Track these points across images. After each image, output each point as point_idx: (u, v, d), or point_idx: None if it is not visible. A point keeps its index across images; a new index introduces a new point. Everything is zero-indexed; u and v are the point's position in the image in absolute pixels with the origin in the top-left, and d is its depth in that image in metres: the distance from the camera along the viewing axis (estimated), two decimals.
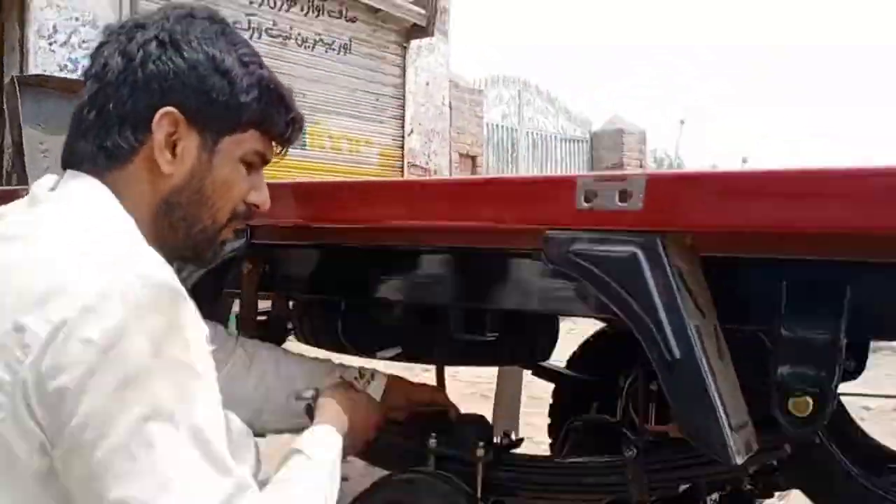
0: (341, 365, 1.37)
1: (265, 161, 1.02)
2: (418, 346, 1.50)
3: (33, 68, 5.34)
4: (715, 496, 1.72)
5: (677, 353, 0.86)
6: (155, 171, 0.91)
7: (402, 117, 8.52)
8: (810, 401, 0.95)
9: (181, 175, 0.93)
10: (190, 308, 0.81)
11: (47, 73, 5.34)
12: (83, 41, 5.71)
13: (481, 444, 1.22)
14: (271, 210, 1.07)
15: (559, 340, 1.92)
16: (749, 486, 1.56)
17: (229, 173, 0.97)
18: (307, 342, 1.59)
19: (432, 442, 1.24)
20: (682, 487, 1.17)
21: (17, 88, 4.68)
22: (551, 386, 2.37)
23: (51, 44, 5.54)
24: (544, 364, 2.07)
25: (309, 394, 1.16)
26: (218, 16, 0.98)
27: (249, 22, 6.87)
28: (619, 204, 0.91)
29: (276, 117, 0.99)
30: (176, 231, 0.95)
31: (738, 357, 1.02)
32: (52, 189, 0.93)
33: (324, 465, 0.98)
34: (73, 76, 5.57)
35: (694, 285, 0.93)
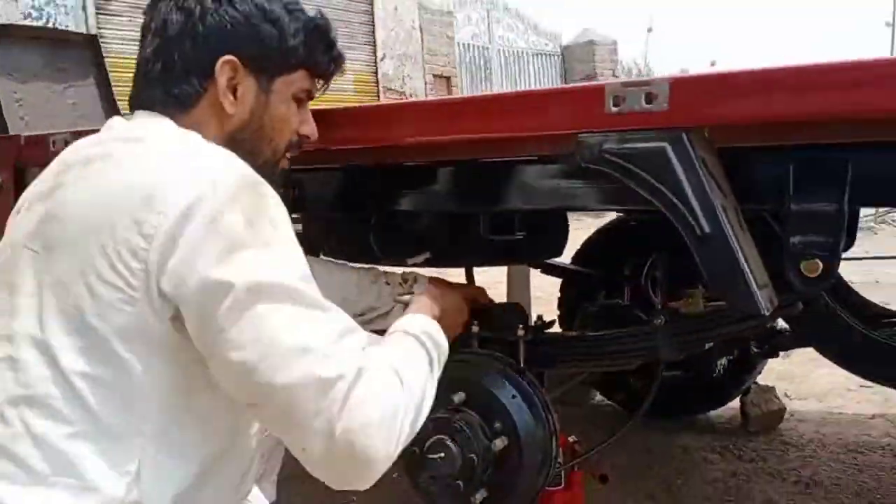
0: (385, 272, 1.49)
1: (311, 96, 1.12)
2: (447, 250, 1.61)
3: None
4: (724, 361, 1.91)
5: (707, 229, 0.98)
6: (220, 112, 1.01)
7: (374, 43, 8.43)
8: (819, 263, 1.09)
9: (243, 114, 1.03)
10: (270, 191, 0.91)
11: (12, 23, 5.23)
12: None
13: (521, 325, 1.37)
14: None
15: None
16: (755, 350, 1.73)
17: (284, 110, 1.07)
18: (340, 257, 1.69)
19: (475, 328, 1.39)
20: (707, 345, 1.31)
21: None
22: (548, 287, 2.54)
23: None
24: (552, 261, 2.21)
25: (403, 291, 1.30)
26: None
27: None
28: (646, 106, 1.02)
29: (321, 57, 1.09)
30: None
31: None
32: (119, 124, 1.01)
33: (420, 336, 1.07)
34: (38, 24, 5.46)
35: (715, 171, 1.05)
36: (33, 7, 5.45)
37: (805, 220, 1.13)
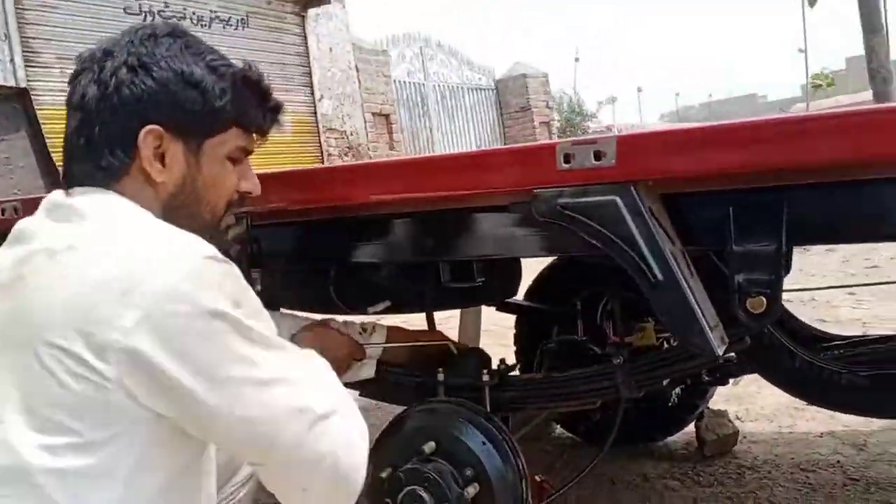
0: (344, 322, 1.51)
1: (248, 152, 1.10)
2: (406, 298, 1.64)
3: None
4: (677, 390, 1.98)
5: (660, 276, 1.04)
6: (150, 181, 0.99)
7: (311, 84, 8.47)
8: (764, 300, 1.16)
9: (174, 181, 1.00)
10: (235, 269, 0.93)
11: None
12: None
13: (485, 371, 1.41)
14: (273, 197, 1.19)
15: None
16: (706, 378, 1.80)
17: (218, 170, 1.04)
18: (301, 309, 1.71)
19: (440, 375, 1.42)
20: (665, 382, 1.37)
21: None
22: (498, 320, 2.58)
23: None
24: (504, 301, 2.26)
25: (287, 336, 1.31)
26: (179, 28, 1.04)
27: (140, 6, 6.66)
28: (595, 162, 1.08)
29: (253, 112, 1.06)
30: (182, 228, 1.01)
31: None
32: (65, 203, 0.98)
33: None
34: None
35: (663, 219, 1.12)
36: None
37: (747, 259, 1.20)
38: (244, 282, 0.92)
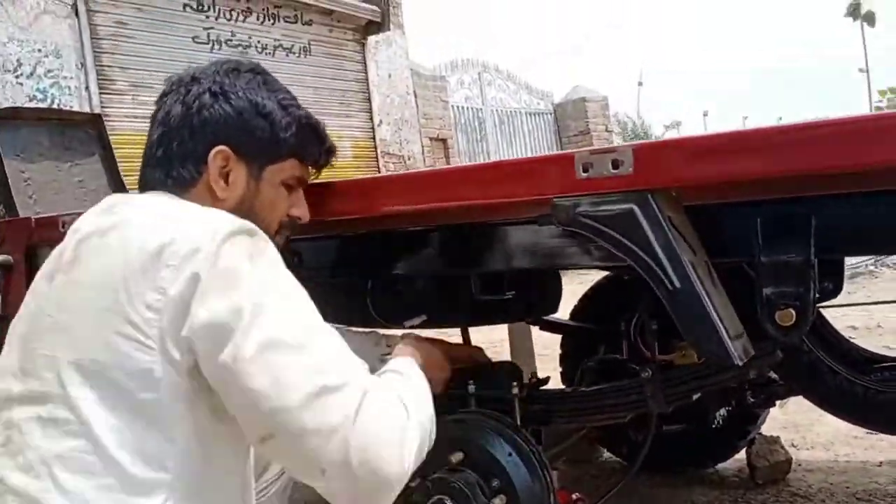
0: (385, 336, 1.55)
1: (302, 182, 1.22)
2: (441, 312, 1.66)
3: (4, 102, 5.39)
4: (723, 412, 1.93)
5: (678, 284, 1.03)
6: (214, 196, 1.10)
7: (370, 110, 8.64)
8: (793, 312, 1.14)
9: (234, 199, 1.12)
10: (266, 239, 1.00)
11: (18, 106, 5.41)
12: (48, 71, 5.77)
13: (514, 384, 1.41)
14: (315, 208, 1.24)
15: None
16: (751, 400, 1.76)
17: (273, 195, 1.16)
18: (340, 323, 1.74)
19: (471, 387, 1.43)
20: (695, 397, 1.35)
21: None
22: (551, 344, 2.58)
23: (17, 76, 5.58)
24: (550, 319, 2.26)
25: (387, 350, 1.33)
26: (259, 67, 1.18)
27: (209, 35, 6.94)
28: (613, 171, 1.09)
29: (312, 148, 1.19)
30: None
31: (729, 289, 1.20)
32: (120, 200, 1.10)
33: (412, 377, 1.15)
34: (43, 105, 5.64)
35: (683, 229, 1.11)
36: (38, 89, 5.64)
37: (775, 271, 1.18)
38: (271, 252, 0.99)
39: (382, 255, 1.57)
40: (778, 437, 2.55)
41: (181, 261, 0.90)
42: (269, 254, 0.98)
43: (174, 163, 1.09)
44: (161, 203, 1.06)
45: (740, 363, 1.03)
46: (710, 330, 1.02)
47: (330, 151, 1.23)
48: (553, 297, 1.94)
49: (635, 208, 1.07)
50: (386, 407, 0.96)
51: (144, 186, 1.12)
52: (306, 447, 0.90)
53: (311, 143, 1.19)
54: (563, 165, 1.12)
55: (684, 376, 1.32)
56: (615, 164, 1.08)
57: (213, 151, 1.09)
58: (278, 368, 0.89)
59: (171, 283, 0.89)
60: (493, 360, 1.62)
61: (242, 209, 1.11)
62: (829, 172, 0.97)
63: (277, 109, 1.13)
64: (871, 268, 6.79)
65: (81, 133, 5.71)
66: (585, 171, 1.10)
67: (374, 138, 8.63)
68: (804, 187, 1.15)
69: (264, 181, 1.14)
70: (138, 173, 1.16)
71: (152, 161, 1.11)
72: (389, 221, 1.41)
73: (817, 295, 1.32)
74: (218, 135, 1.09)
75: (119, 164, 5.86)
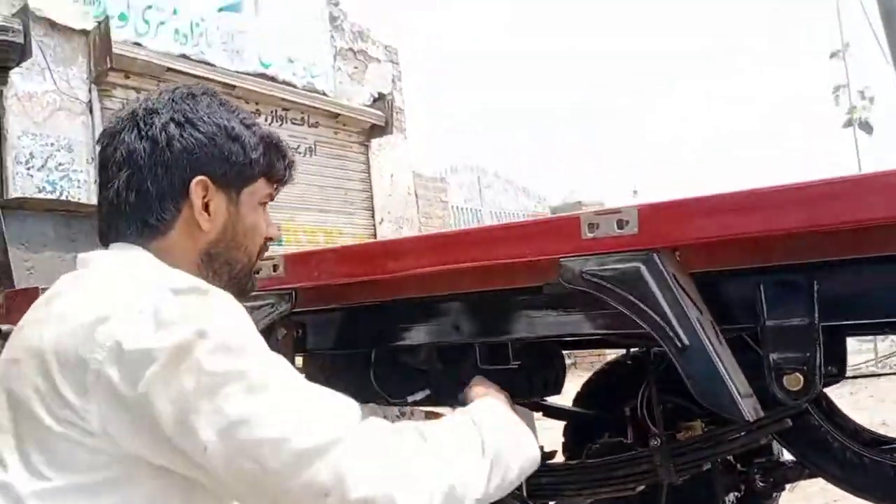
0: (381, 408, 1.53)
1: (271, 200, 1.18)
2: (444, 384, 1.65)
3: (13, 192, 5.50)
4: (732, 497, 1.88)
5: (686, 340, 1.04)
6: (194, 231, 1.05)
7: (372, 208, 8.81)
8: (800, 376, 1.14)
9: (216, 229, 1.07)
10: (219, 300, 0.92)
11: (27, 197, 5.52)
12: (59, 164, 5.92)
13: None
14: (319, 272, 1.24)
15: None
16: (761, 484, 1.72)
17: (253, 217, 1.12)
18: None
19: None
20: (705, 467, 1.32)
21: (0, 212, 4.84)
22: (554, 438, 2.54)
23: (28, 168, 5.72)
24: (553, 404, 2.23)
25: (388, 413, 1.31)
26: (211, 89, 1.14)
27: None
28: (618, 230, 1.12)
29: (278, 164, 1.16)
30: (220, 275, 1.10)
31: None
32: (86, 258, 1.05)
33: (476, 417, 1.08)
34: (51, 197, 5.75)
35: (688, 288, 1.13)
36: (47, 181, 5.77)
37: (781, 336, 1.19)
38: (225, 309, 0.91)
39: (384, 326, 1.57)
40: None
41: (113, 342, 0.84)
42: (214, 318, 0.89)
43: (151, 205, 1.02)
44: (115, 263, 1.00)
45: (750, 418, 1.03)
46: (721, 386, 1.02)
47: (292, 166, 1.20)
48: (557, 376, 1.93)
49: (641, 266, 1.09)
50: (385, 448, 0.90)
51: (112, 238, 1.05)
52: None
53: (277, 159, 1.15)
54: (569, 226, 1.15)
55: (694, 444, 1.31)
56: (620, 224, 1.11)
57: (192, 183, 1.03)
58: (254, 446, 0.83)
59: (105, 363, 0.84)
60: None
61: (226, 238, 1.08)
62: (830, 229, 1.00)
63: (244, 130, 1.09)
64: (873, 368, 6.75)
65: (87, 225, 5.80)
66: (591, 231, 1.13)
67: (375, 235, 8.75)
68: (806, 251, 1.17)
69: (242, 205, 1.10)
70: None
71: (121, 209, 1.03)
72: (395, 287, 1.43)
73: (823, 367, 1.33)
74: (194, 165, 1.03)
75: None
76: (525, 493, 1.35)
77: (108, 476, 0.86)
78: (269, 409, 0.85)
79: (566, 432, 2.51)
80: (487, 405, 1.16)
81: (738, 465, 1.86)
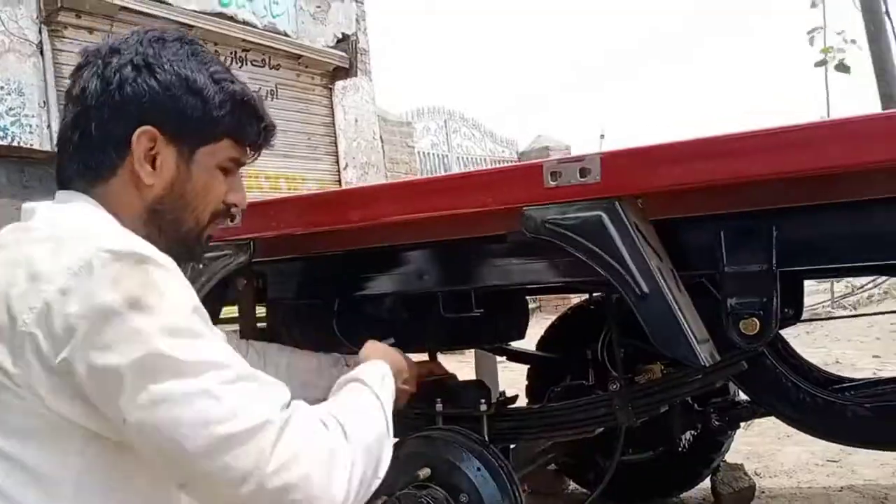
0: (345, 356, 1.52)
1: (240, 164, 1.08)
2: (409, 333, 1.65)
3: None
4: (688, 436, 1.95)
5: (645, 289, 1.05)
6: (139, 183, 0.98)
7: (336, 153, 8.67)
8: (756, 321, 1.16)
9: (162, 184, 0.99)
10: (157, 265, 0.86)
11: None
12: (10, 109, 5.70)
13: (483, 401, 1.40)
14: (278, 222, 1.22)
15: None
16: (716, 423, 1.77)
17: (207, 179, 1.03)
18: (306, 347, 1.72)
19: (439, 405, 1.42)
20: (662, 409, 1.36)
21: None
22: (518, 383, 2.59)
23: None
24: (517, 349, 2.26)
25: (345, 371, 1.30)
26: (187, 37, 1.04)
27: None
28: (581, 179, 1.11)
29: (249, 128, 1.05)
30: (165, 233, 1.03)
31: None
32: (29, 208, 0.98)
33: (380, 395, 1.07)
34: (3, 143, 5.56)
35: (650, 236, 1.13)
36: None
37: (739, 281, 1.21)
38: (161, 279, 0.86)
39: (348, 275, 1.56)
40: (741, 464, 2.56)
41: (49, 301, 0.81)
42: (158, 286, 0.85)
43: (92, 148, 0.96)
44: (58, 219, 0.94)
45: (707, 364, 1.05)
46: (678, 332, 1.04)
47: (269, 129, 1.08)
48: (520, 322, 1.95)
49: (603, 215, 1.09)
50: (309, 438, 0.87)
51: (61, 181, 0.99)
52: (220, 496, 0.84)
53: (248, 121, 1.04)
54: (531, 175, 1.14)
55: (651, 388, 1.33)
56: (583, 173, 1.10)
57: (136, 132, 0.95)
58: (173, 425, 0.80)
59: (35, 321, 0.81)
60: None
61: (173, 196, 1.01)
62: (792, 176, 1.00)
63: (210, 84, 0.99)
64: (829, 309, 6.95)
65: (41, 171, 5.64)
66: (554, 179, 1.12)
67: (339, 181, 8.65)
68: (766, 198, 1.18)
69: (196, 164, 1.01)
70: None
71: (68, 147, 0.98)
72: (357, 237, 1.41)
73: (779, 312, 1.36)
74: (143, 113, 0.96)
75: None
76: (487, 438, 1.38)
77: (42, 438, 0.84)
78: (195, 392, 0.82)
79: (529, 376, 2.56)
80: (382, 375, 1.14)
81: (695, 405, 1.91)
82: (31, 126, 5.72)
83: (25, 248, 0.88)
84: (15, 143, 5.57)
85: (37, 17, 5.80)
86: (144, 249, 0.87)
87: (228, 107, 1.01)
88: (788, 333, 1.87)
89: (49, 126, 5.78)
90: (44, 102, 5.75)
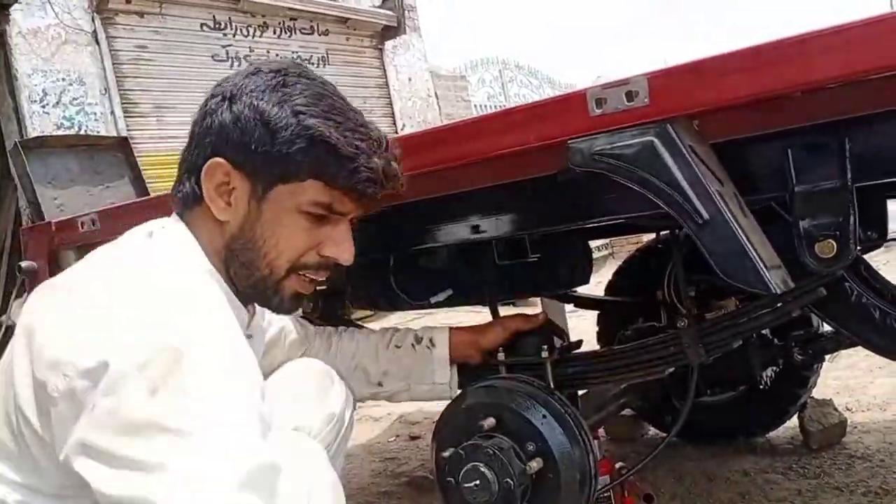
0: (396, 329, 1.50)
1: (335, 212, 0.97)
2: (465, 284, 1.61)
3: (31, 132, 5.50)
4: (770, 372, 1.86)
5: (706, 215, 0.97)
6: (213, 217, 0.95)
7: (392, 114, 8.65)
8: (833, 242, 1.07)
9: (236, 222, 0.94)
10: (197, 358, 0.78)
11: (46, 134, 5.52)
12: (73, 99, 5.87)
13: (545, 347, 1.36)
14: None
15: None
16: (799, 357, 1.68)
17: (282, 221, 0.94)
18: (364, 306, 1.71)
19: (500, 355, 1.38)
20: (735, 345, 1.28)
21: (23, 153, 4.86)
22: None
23: (43, 106, 5.69)
24: (584, 294, 2.20)
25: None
26: (292, 68, 0.96)
27: (227, 52, 7.00)
28: (627, 104, 1.03)
29: (333, 168, 0.92)
30: (239, 277, 0.97)
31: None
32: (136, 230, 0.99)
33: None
34: (71, 132, 5.74)
35: (708, 159, 1.05)
36: (65, 117, 5.75)
37: (811, 201, 1.11)
38: (195, 375, 0.77)
39: (400, 230, 1.52)
40: (831, 399, 2.45)
41: (76, 377, 0.76)
42: (186, 382, 0.76)
43: (182, 176, 0.97)
44: (131, 267, 0.88)
45: (778, 290, 0.97)
46: (745, 259, 0.96)
47: (361, 172, 0.93)
48: (583, 267, 1.88)
49: (655, 140, 1.01)
50: None
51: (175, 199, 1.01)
52: None
53: (331, 161, 0.92)
54: (575, 104, 1.07)
55: (722, 323, 1.26)
56: (630, 97, 1.02)
57: (207, 164, 0.92)
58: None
59: (61, 399, 0.77)
60: None
61: (244, 236, 0.94)
62: (863, 77, 0.90)
63: (285, 118, 0.90)
64: None
65: (109, 157, 5.80)
66: (599, 107, 1.05)
67: None
68: (834, 108, 1.08)
69: (271, 203, 0.93)
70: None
71: (179, 165, 0.99)
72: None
73: (859, 232, 1.25)
74: (216, 145, 0.93)
75: (148, 185, 5.94)
76: (552, 384, 1.34)
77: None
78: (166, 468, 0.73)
79: (599, 322, 2.50)
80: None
81: (775, 340, 1.82)
82: (95, 114, 5.89)
83: (67, 311, 0.83)
84: (82, 131, 5.75)
85: (88, 7, 5.92)
86: (187, 339, 0.79)
87: (302, 143, 0.91)
88: (875, 260, 1.74)
89: (112, 112, 5.93)
90: (105, 90, 5.90)
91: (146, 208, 1.63)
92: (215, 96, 0.95)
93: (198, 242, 0.95)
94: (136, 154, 5.69)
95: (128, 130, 5.98)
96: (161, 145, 5.87)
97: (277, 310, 1.03)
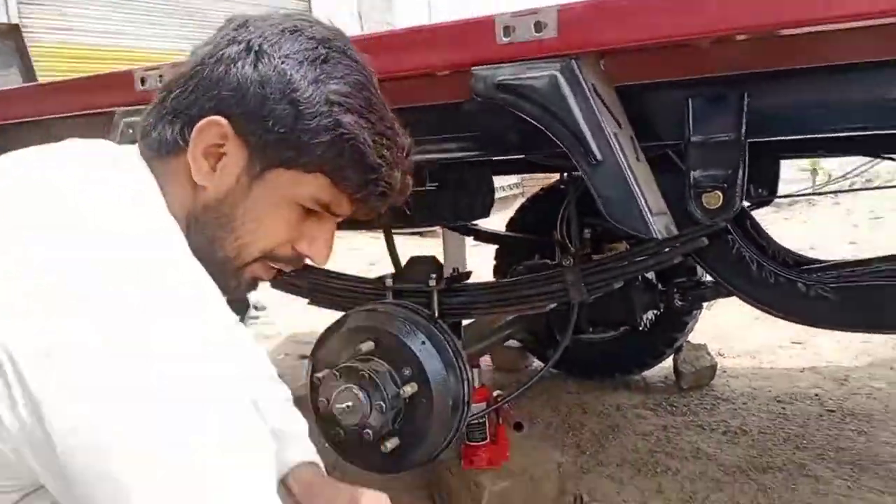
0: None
1: (333, 213, 0.86)
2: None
3: None
4: (650, 315, 1.94)
5: (599, 156, 0.97)
6: (190, 177, 0.80)
7: None
8: (720, 194, 1.10)
9: (216, 192, 0.81)
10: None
11: None
12: None
13: (433, 275, 1.35)
14: None
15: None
16: (679, 303, 1.75)
17: (269, 209, 0.82)
18: None
19: (388, 280, 1.36)
20: (616, 286, 1.31)
21: None
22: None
23: None
24: (484, 228, 2.21)
25: None
26: (334, 41, 0.81)
27: None
28: (536, 34, 1.00)
29: (349, 172, 0.81)
30: (200, 250, 0.80)
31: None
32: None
33: None
34: None
35: (609, 100, 1.04)
36: None
37: (704, 152, 1.13)
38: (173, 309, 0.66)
39: None
40: (704, 344, 2.59)
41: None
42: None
43: (167, 116, 0.80)
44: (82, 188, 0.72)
45: (659, 236, 0.99)
46: (631, 202, 0.97)
47: (377, 184, 0.82)
48: (483, 201, 1.88)
49: (558, 75, 0.99)
50: None
51: (142, 132, 0.83)
52: None
53: (351, 165, 0.80)
54: (482, 30, 1.03)
55: (605, 264, 1.28)
56: (538, 27, 0.99)
57: (204, 120, 0.78)
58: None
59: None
60: None
61: (220, 210, 0.81)
62: (763, 32, 0.91)
63: (317, 103, 0.78)
64: (810, 197, 6.94)
65: None
66: (507, 35, 1.01)
67: None
68: (739, 62, 1.09)
69: (265, 185, 0.80)
70: None
71: (154, 101, 0.83)
72: None
73: (749, 187, 1.29)
74: (224, 101, 0.78)
75: (39, 77, 5.55)
76: (437, 313, 1.34)
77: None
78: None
79: (497, 256, 2.53)
80: None
81: (659, 285, 1.88)
82: None
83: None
84: None
85: None
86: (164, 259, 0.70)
87: (327, 137, 0.78)
88: (765, 219, 1.81)
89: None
90: None
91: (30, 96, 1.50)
92: (237, 42, 0.79)
93: (158, 189, 0.80)
94: (29, 44, 5.29)
95: (21, 18, 5.50)
96: (61, 37, 5.43)
97: (233, 294, 0.89)
